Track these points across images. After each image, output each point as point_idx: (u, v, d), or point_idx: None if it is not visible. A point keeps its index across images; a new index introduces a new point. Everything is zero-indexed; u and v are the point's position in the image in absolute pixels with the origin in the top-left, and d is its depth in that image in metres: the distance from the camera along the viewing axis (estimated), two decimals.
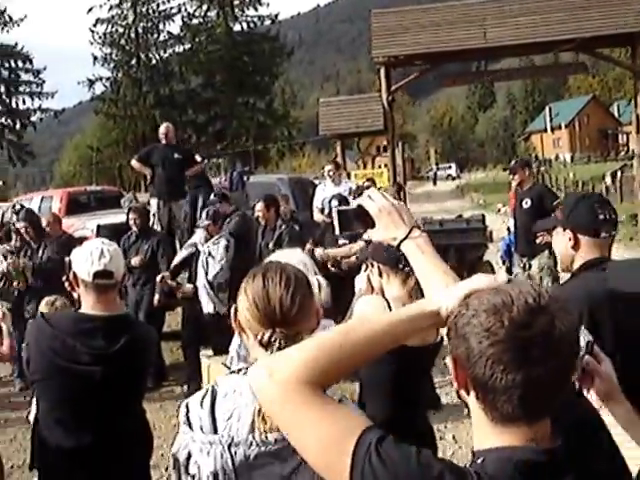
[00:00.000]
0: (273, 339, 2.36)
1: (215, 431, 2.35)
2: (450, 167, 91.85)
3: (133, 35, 66.93)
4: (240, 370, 2.47)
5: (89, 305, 3.80)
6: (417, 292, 3.50)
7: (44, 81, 67.74)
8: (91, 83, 67.03)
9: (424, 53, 19.14)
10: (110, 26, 66.63)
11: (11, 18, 65.83)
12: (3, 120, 67.26)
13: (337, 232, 2.40)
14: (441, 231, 13.22)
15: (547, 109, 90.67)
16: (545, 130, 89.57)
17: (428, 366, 4.21)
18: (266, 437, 2.29)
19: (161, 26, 67.54)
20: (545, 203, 9.31)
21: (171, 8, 67.10)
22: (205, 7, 67.47)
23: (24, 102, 67.66)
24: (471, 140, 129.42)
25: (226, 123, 66.25)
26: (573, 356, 1.60)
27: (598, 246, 3.41)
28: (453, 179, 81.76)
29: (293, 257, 4.09)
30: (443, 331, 2.96)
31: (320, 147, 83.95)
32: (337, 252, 9.55)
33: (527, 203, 9.77)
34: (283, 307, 2.39)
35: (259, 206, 10.07)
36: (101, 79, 67.19)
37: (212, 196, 11.64)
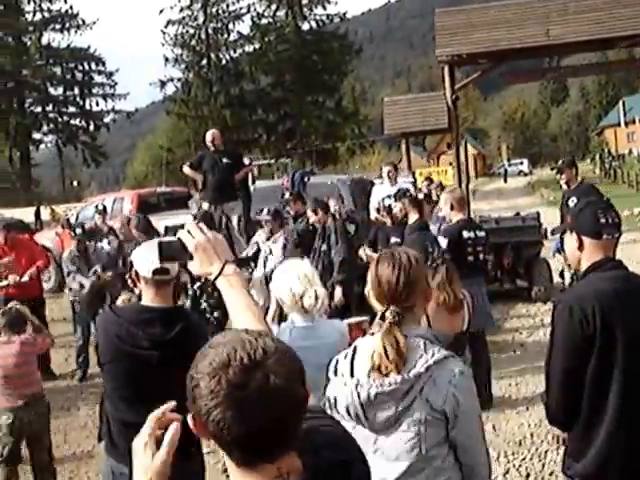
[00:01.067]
0: (387, 314, 3.01)
1: (352, 375, 3.07)
2: (522, 163, 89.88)
3: (203, 36, 67.66)
4: (373, 333, 3.11)
5: (149, 298, 4.28)
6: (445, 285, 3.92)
7: (117, 83, 69.01)
8: (162, 84, 67.97)
9: (487, 51, 19.09)
10: (181, 27, 67.49)
11: (84, 21, 67.20)
12: (77, 122, 68.70)
13: (158, 262, 2.67)
14: (497, 229, 13.39)
15: (621, 103, 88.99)
16: (619, 124, 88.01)
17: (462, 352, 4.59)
18: (382, 380, 2.97)
19: (231, 26, 68.14)
20: None
21: (241, 8, 67.60)
22: (274, 7, 67.84)
23: (97, 104, 69.01)
24: (544, 135, 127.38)
25: (295, 122, 66.50)
26: (295, 401, 1.69)
27: (601, 247, 3.69)
28: (525, 175, 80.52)
29: (297, 268, 4.74)
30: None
31: (390, 144, 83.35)
32: None
33: (573, 201, 9.81)
34: (390, 287, 3.03)
35: (308, 213, 10.21)
36: (172, 80, 68.04)
37: (287, 195, 12.04)
